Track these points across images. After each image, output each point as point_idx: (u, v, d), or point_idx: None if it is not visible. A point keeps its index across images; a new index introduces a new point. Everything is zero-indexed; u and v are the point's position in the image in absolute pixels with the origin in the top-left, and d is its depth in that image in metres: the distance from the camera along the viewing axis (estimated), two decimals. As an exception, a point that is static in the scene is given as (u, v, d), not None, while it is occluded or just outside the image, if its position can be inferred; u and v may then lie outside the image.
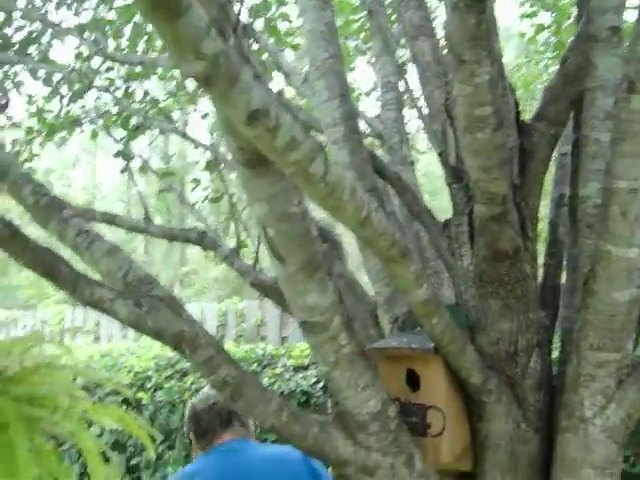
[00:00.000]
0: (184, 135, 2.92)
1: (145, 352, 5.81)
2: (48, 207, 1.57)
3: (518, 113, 1.99)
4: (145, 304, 1.47)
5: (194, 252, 17.08)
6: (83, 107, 3.97)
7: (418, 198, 2.15)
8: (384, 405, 1.66)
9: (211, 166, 2.54)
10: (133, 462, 5.17)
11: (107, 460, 2.08)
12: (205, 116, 3.74)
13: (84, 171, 22.05)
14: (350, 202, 1.23)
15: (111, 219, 2.25)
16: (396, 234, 1.41)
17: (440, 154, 2.04)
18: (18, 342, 1.96)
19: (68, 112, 4.45)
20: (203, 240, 2.20)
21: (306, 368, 4.50)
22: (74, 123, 4.44)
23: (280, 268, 1.44)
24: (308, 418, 1.63)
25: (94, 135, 4.50)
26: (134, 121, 3.25)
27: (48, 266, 1.41)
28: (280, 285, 1.51)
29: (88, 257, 1.55)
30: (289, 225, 1.40)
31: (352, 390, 1.60)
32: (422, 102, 2.40)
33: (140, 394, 5.14)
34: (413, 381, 1.84)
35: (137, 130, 2.91)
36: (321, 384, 4.21)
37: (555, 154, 2.15)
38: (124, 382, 5.12)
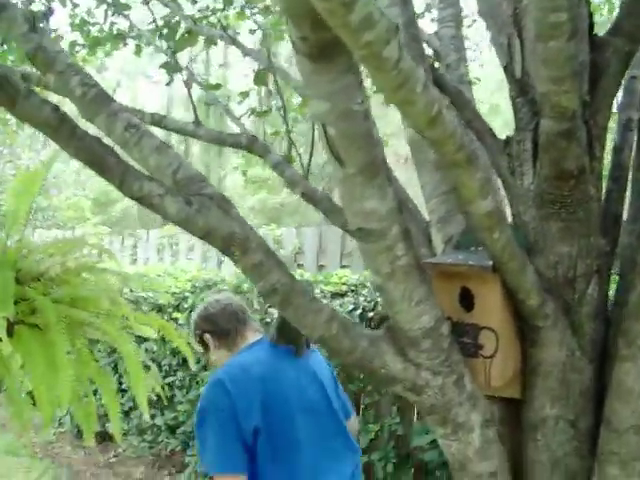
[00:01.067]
0: (234, 42, 2.81)
1: (182, 274, 5.82)
2: (96, 99, 1.49)
3: (591, 25, 1.86)
4: (195, 202, 1.40)
5: (232, 180, 17.07)
6: (127, 18, 3.84)
7: (478, 114, 2.04)
8: (437, 322, 1.59)
9: (260, 78, 2.45)
10: (167, 381, 5.22)
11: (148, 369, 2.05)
12: (253, 32, 3.63)
13: (125, 95, 22.03)
14: (422, 96, 1.14)
15: (159, 120, 2.18)
16: (464, 137, 1.31)
17: (505, 67, 1.93)
18: (61, 244, 1.92)
19: (113, 25, 4.34)
20: (253, 145, 2.11)
21: (343, 295, 4.46)
22: (118, 37, 4.34)
23: (338, 170, 1.36)
24: (358, 331, 1.57)
25: (138, 51, 4.40)
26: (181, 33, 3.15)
27: (96, 156, 1.35)
28: (337, 189, 1.43)
29: (137, 153, 1.48)
30: (350, 124, 1.31)
31: (405, 304, 1.53)
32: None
33: (176, 314, 5.16)
34: (467, 300, 1.77)
35: (185, 37, 2.80)
36: (359, 311, 4.17)
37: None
38: (161, 301, 5.15)
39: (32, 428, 5.88)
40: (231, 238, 1.41)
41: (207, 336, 2.35)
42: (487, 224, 1.51)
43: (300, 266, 6.40)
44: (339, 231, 6.32)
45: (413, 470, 3.82)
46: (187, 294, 5.28)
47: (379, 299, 4.01)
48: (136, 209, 18.30)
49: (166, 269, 6.36)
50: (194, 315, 2.42)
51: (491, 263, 1.65)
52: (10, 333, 1.55)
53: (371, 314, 4.00)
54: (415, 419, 3.91)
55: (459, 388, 1.66)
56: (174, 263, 7.62)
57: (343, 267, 5.67)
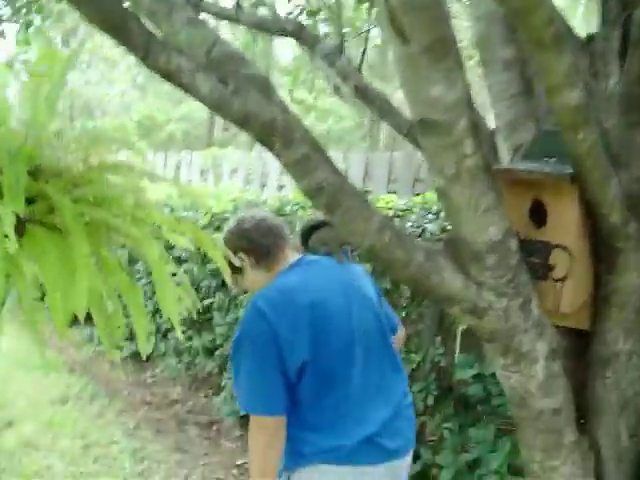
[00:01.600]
0: None
1: (224, 195, 5.66)
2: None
3: None
4: (232, 83, 1.20)
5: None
6: None
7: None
8: (505, 235, 1.38)
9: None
10: (206, 303, 5.11)
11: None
12: None
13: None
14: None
15: (196, 3, 1.96)
16: (554, 10, 1.09)
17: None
18: (84, 140, 1.73)
19: None
20: (301, 33, 1.88)
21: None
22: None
23: (401, 49, 1.14)
24: (414, 243, 1.37)
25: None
26: None
27: (116, 21, 1.14)
28: (399, 72, 1.22)
29: (166, 26, 1.28)
30: (417, -9, 1.10)
31: (471, 212, 1.31)
32: None
33: (216, 235, 5.01)
34: (539, 215, 1.56)
35: None
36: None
37: None
38: (201, 221, 5.00)
39: (71, 345, 5.86)
40: (272, 126, 1.21)
41: (242, 254, 2.07)
42: (572, 120, 1.28)
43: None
44: (386, 157, 6.10)
45: (454, 403, 3.66)
46: (228, 215, 5.11)
47: (427, 225, 3.80)
48: (181, 133, 18.16)
49: (209, 190, 6.21)
50: (225, 232, 2.14)
51: (570, 171, 1.43)
52: (20, 232, 1.38)
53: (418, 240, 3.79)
54: (458, 351, 3.74)
55: (525, 313, 1.46)
56: (217, 184, 7.46)
57: (389, 193, 5.45)
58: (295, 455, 1.94)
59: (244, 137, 18.40)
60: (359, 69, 1.79)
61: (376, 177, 6.02)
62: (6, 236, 1.29)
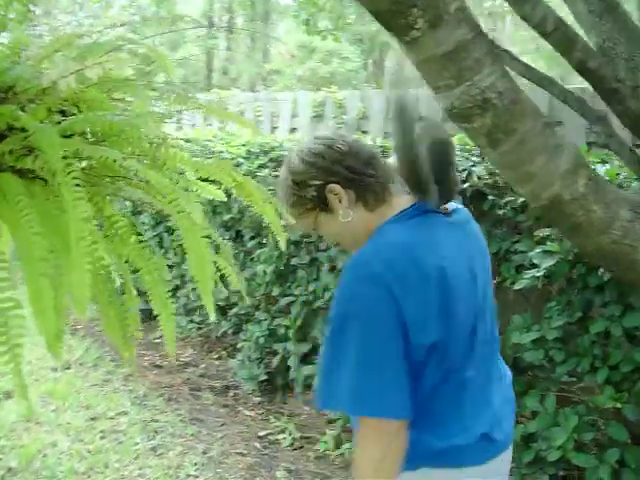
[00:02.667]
0: None
1: (234, 139, 5.13)
2: None
3: None
4: None
5: (276, 50, 16.17)
6: None
7: None
8: None
9: None
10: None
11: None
12: None
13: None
14: None
15: None
16: None
17: None
18: (77, 43, 1.18)
19: None
20: None
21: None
22: None
23: None
24: (617, 194, 0.86)
25: None
26: None
27: None
28: None
29: None
30: None
31: None
32: None
33: (229, 183, 4.49)
34: None
35: None
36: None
37: None
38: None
39: (69, 308, 5.45)
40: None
41: (335, 188, 1.43)
42: None
43: (364, 133, 5.67)
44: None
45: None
46: (241, 160, 4.58)
47: (473, 168, 3.26)
48: (178, 79, 17.51)
49: (216, 134, 5.68)
50: (307, 156, 1.46)
51: None
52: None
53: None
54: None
55: None
56: (223, 129, 6.92)
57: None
58: None
59: (244, 81, 17.69)
60: None
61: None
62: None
